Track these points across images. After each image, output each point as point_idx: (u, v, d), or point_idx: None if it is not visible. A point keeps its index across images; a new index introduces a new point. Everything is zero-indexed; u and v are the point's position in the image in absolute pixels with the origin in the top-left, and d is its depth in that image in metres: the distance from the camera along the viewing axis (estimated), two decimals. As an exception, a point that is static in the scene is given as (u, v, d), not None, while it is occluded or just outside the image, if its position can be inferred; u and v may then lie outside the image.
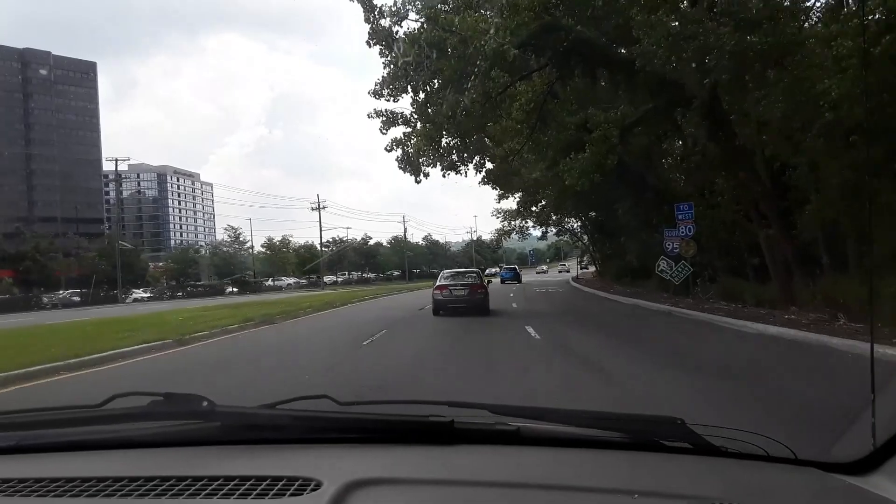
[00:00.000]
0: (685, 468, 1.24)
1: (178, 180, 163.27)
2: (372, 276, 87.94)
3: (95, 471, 1.21)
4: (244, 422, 1.40)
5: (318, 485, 1.07)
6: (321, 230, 64.62)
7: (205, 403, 1.37)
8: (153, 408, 1.38)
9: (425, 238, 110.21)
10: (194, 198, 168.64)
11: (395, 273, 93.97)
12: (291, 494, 1.06)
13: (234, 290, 61.85)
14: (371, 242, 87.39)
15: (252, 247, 70.55)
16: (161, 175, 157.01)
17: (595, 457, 1.28)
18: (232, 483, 1.11)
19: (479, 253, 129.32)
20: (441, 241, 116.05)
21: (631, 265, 30.58)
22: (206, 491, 1.08)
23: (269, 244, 73.06)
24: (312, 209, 64.41)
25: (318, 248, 67.99)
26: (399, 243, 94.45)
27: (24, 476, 1.20)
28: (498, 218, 55.34)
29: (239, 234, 76.27)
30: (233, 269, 68.81)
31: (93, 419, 1.43)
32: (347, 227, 75.68)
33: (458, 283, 17.60)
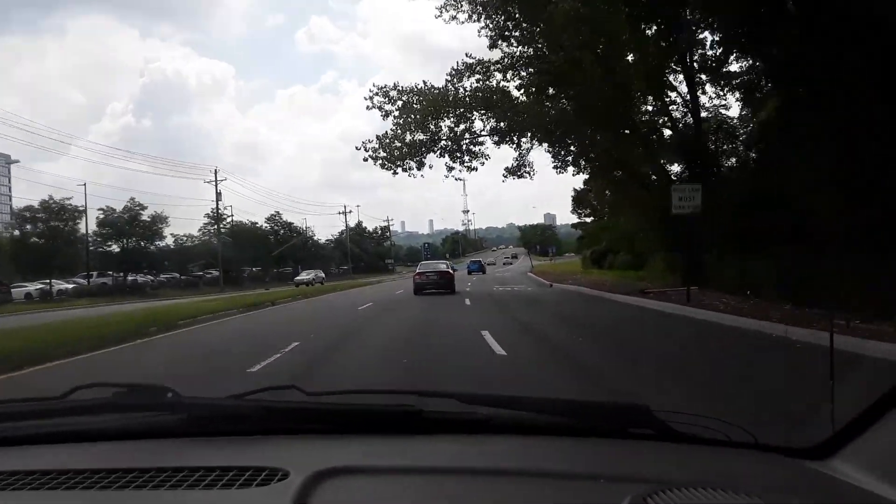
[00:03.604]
0: (650, 454, 1.24)
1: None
2: (147, 278, 47.71)
3: (56, 464, 1.16)
4: (210, 413, 1.36)
5: (286, 475, 1.04)
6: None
7: (170, 394, 1.35)
8: (116, 399, 1.36)
9: (270, 219, 70.30)
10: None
11: (212, 273, 54.39)
12: (258, 485, 1.03)
13: None
14: (144, 216, 46.56)
15: None
16: None
17: (562, 444, 1.28)
18: (197, 474, 1.07)
19: (359, 245, 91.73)
20: (299, 225, 76.11)
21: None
22: (171, 482, 1.05)
23: None
24: None
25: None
26: (209, 227, 54.59)
27: None
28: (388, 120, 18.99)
29: None
30: None
31: (54, 411, 1.39)
32: (83, 184, 33.11)
33: (433, 270, 23.91)
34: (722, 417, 1.28)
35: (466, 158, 19.76)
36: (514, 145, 20.69)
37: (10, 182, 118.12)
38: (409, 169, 19.60)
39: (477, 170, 19.91)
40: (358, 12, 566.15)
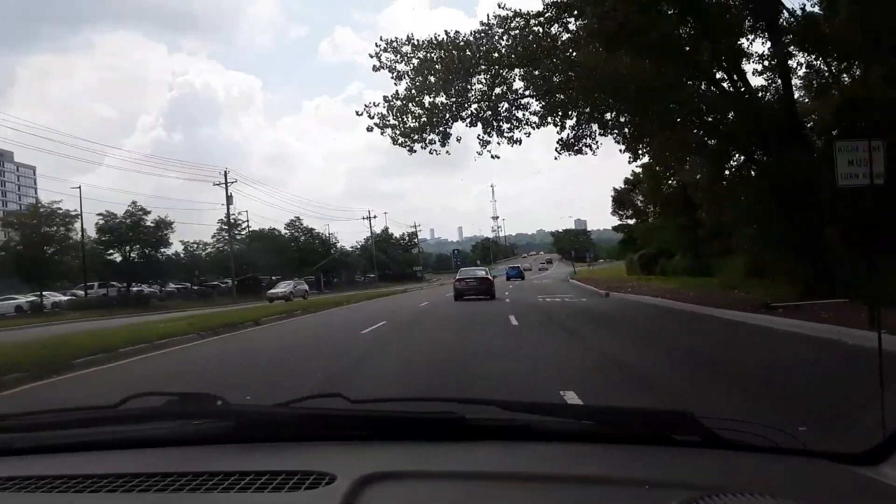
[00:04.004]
0: (695, 460, 1.23)
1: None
2: (154, 289, 43.92)
3: (112, 468, 1.20)
4: (258, 420, 1.43)
5: (333, 479, 1.06)
6: None
7: (219, 402, 1.41)
8: (168, 408, 1.43)
9: (290, 225, 66.47)
10: (3, 183, 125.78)
11: (228, 283, 50.58)
12: (307, 488, 1.05)
13: None
14: (148, 221, 42.81)
15: None
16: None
17: (606, 450, 1.29)
18: (247, 478, 1.10)
19: (386, 252, 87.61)
20: (321, 231, 72.14)
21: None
22: (223, 486, 1.08)
23: None
24: None
25: None
26: (224, 233, 50.78)
27: (43, 474, 1.18)
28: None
29: None
30: None
31: (108, 419, 1.45)
32: (79, 187, 30.07)
33: (472, 276, 24.72)
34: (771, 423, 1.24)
35: (506, 127, 14.93)
36: (559, 123, 15.87)
37: (36, 192, 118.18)
38: (431, 144, 14.85)
39: (520, 143, 15.08)
40: (380, 22, 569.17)
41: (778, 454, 1.22)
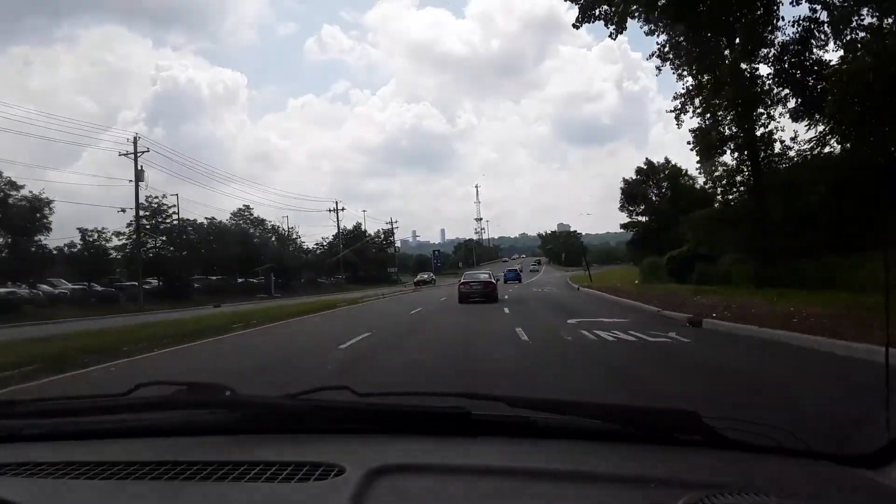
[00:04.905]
0: (700, 460, 1.24)
1: None
2: (27, 291, 32.88)
3: (122, 456, 1.21)
4: (266, 411, 1.43)
5: (342, 470, 1.08)
6: None
7: (228, 393, 1.42)
8: (176, 397, 1.42)
9: (238, 215, 55.58)
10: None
11: (151, 283, 39.68)
12: (316, 479, 1.06)
13: None
14: (16, 195, 31.80)
15: None
16: None
17: (611, 448, 1.28)
18: (256, 469, 1.11)
19: (358, 251, 76.73)
20: (278, 226, 61.33)
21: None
22: (232, 475, 1.09)
23: None
24: None
25: None
26: (148, 216, 39.92)
27: (54, 460, 1.20)
28: None
29: None
30: None
31: (117, 408, 1.45)
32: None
33: (476, 280, 25.55)
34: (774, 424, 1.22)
35: None
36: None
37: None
38: None
39: None
40: (368, 22, 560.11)
41: (782, 455, 1.22)
